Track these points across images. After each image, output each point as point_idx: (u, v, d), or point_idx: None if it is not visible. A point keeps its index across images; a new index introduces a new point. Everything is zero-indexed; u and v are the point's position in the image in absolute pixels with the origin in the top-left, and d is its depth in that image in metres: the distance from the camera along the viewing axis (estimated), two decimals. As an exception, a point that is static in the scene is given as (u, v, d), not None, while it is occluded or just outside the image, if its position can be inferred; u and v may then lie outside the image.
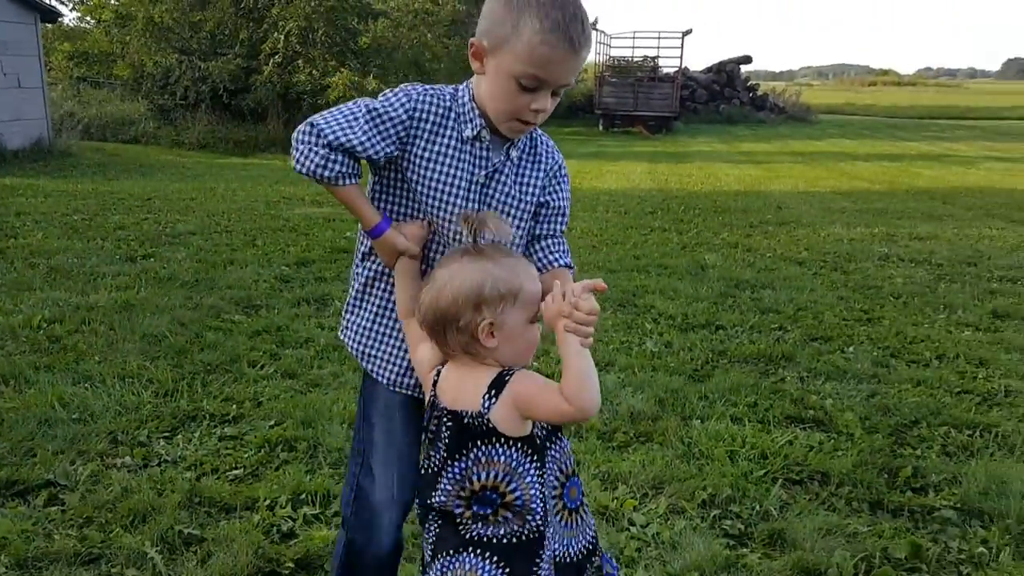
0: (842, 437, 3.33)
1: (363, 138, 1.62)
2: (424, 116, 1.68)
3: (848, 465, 3.03)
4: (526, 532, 1.52)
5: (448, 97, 1.71)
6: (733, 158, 18.67)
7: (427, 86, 1.72)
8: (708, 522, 2.71)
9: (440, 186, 1.69)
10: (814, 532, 2.59)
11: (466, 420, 1.52)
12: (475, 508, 1.52)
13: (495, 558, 1.51)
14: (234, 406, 3.65)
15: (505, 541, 1.51)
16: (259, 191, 10.92)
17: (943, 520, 2.69)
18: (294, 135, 1.64)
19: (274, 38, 17.69)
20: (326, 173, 1.62)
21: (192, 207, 9.35)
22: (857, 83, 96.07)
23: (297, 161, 1.63)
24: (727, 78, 36.14)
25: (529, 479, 1.52)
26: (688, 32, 31.05)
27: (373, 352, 1.82)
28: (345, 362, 4.24)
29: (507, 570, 1.50)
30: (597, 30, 33.16)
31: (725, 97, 35.74)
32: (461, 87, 1.73)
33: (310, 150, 1.61)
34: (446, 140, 1.69)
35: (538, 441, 1.54)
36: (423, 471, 1.60)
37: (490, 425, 1.50)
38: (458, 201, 1.69)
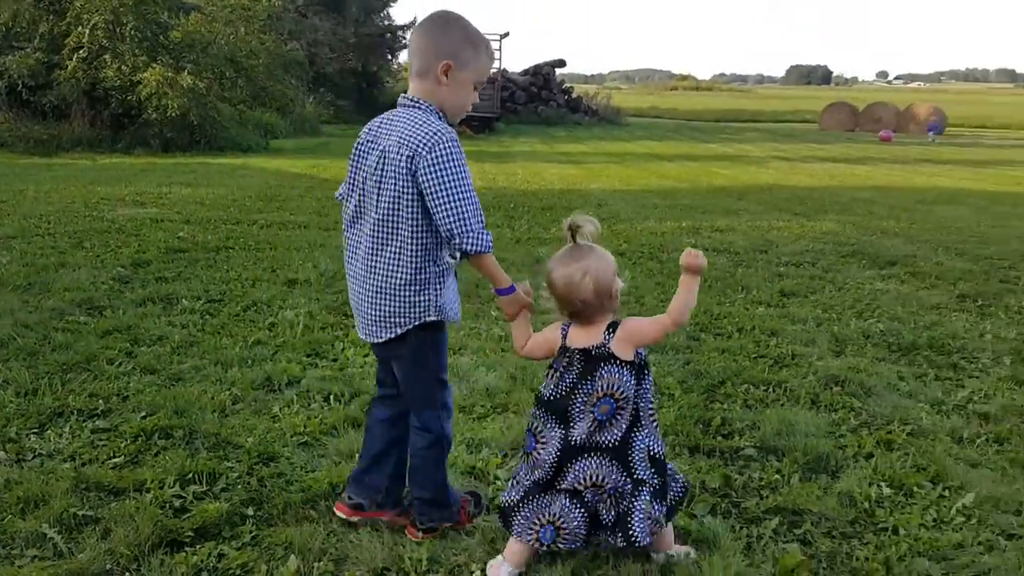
0: (664, 396, 3.90)
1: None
2: None
3: (671, 418, 3.59)
4: (620, 436, 2.36)
5: (445, 123, 2.46)
6: (554, 158, 19.62)
7: (447, 129, 2.41)
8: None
9: None
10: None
11: (593, 351, 2.36)
12: (600, 411, 2.34)
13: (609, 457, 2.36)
14: (101, 401, 3.74)
15: (614, 443, 2.36)
16: (74, 192, 10.45)
17: (747, 457, 3.29)
18: (472, 229, 2.36)
19: (78, 32, 16.71)
20: (491, 244, 2.43)
21: (4, 210, 8.87)
22: (660, 87, 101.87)
23: (475, 245, 2.37)
24: (544, 81, 37.49)
25: (631, 389, 2.37)
26: (506, 35, 31.94)
27: (454, 315, 2.61)
28: (204, 356, 4.38)
29: (612, 462, 2.35)
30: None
31: (543, 99, 37.08)
32: (421, 108, 2.46)
33: (484, 234, 2.39)
34: None
35: (638, 363, 2.39)
36: (551, 398, 2.43)
37: (610, 351, 2.35)
38: None
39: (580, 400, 2.37)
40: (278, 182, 12.64)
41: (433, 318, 2.52)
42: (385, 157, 2.43)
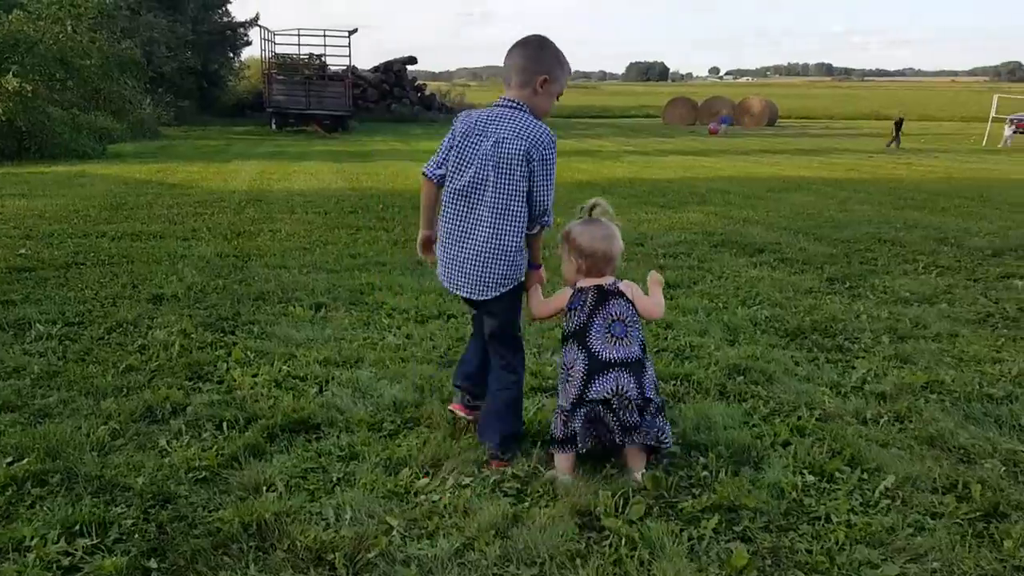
0: (578, 400, 3.82)
1: None
2: None
3: (591, 422, 3.51)
4: (636, 354, 2.98)
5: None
6: (415, 156, 19.34)
7: (545, 128, 3.06)
8: (489, 487, 3.01)
9: None
10: (577, 479, 3.01)
11: (606, 287, 3.04)
12: (614, 333, 2.97)
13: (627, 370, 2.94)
14: (-47, 448, 3.27)
15: (632, 360, 2.96)
16: None
17: (671, 455, 3.25)
18: (550, 211, 3.16)
19: None
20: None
21: None
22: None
23: (550, 224, 3.18)
24: (395, 78, 37.06)
25: (636, 318, 3.05)
26: (354, 31, 31.30)
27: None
28: (72, 387, 3.94)
29: (633, 377, 2.94)
30: (260, 26, 32.27)
31: (395, 96, 36.66)
32: (523, 111, 3.09)
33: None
34: None
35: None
36: (575, 329, 3.03)
37: (619, 289, 3.05)
38: None
39: (597, 324, 2.98)
40: (122, 190, 11.77)
41: (522, 278, 3.20)
42: (500, 145, 3.04)
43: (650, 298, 3.10)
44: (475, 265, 3.11)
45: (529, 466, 3.16)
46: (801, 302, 5.67)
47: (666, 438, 3.03)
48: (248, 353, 4.49)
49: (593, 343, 2.96)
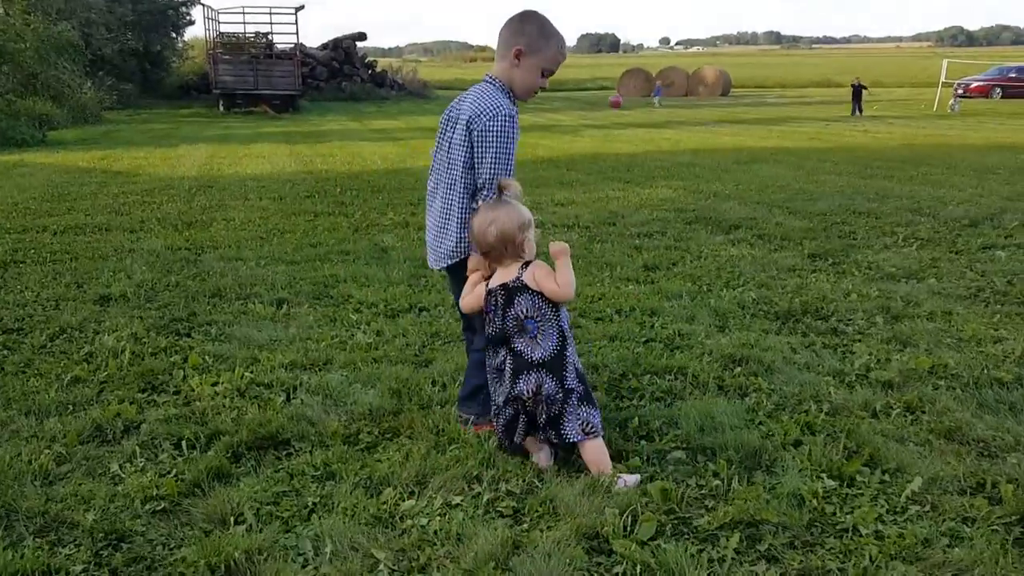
0: (570, 400, 3.55)
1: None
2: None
3: (586, 426, 3.24)
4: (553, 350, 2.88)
5: (507, 101, 3.01)
6: (369, 136, 18.85)
7: (508, 106, 2.98)
8: (483, 508, 2.72)
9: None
10: (579, 496, 2.73)
11: (511, 285, 2.89)
12: (527, 332, 2.86)
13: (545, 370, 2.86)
14: None
15: (549, 357, 2.87)
16: None
17: (676, 461, 3.00)
18: (495, 186, 2.96)
19: None
20: None
21: None
22: (460, 58, 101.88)
23: None
24: (345, 55, 36.22)
25: (549, 311, 2.89)
26: (301, 8, 30.45)
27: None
28: (11, 405, 3.56)
29: (546, 374, 2.85)
30: (203, 5, 31.20)
31: (345, 74, 35.84)
32: (494, 85, 3.04)
33: None
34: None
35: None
36: (493, 334, 2.94)
37: (523, 283, 2.88)
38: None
39: (511, 326, 2.88)
40: (64, 179, 11.18)
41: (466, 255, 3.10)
42: (448, 115, 3.12)
43: (556, 279, 2.87)
44: (432, 235, 3.22)
45: (524, 481, 2.88)
46: (787, 281, 5.46)
47: (592, 428, 2.88)
48: (206, 358, 4.13)
49: (516, 344, 2.89)
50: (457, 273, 3.18)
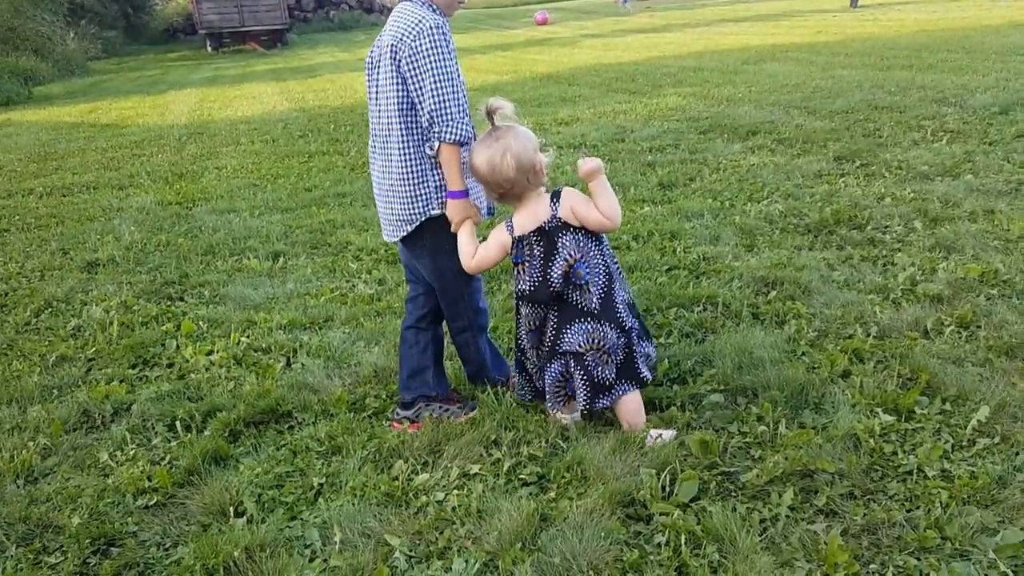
0: (591, 343, 3.26)
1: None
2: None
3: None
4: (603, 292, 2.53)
5: (431, 12, 2.49)
6: (360, 66, 18.05)
7: (433, 17, 2.45)
8: (503, 477, 2.47)
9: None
10: (610, 455, 2.47)
11: (547, 227, 2.49)
12: (580, 278, 2.48)
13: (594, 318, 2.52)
14: None
15: (601, 302, 2.52)
16: None
17: (713, 405, 2.72)
18: (452, 117, 2.43)
19: None
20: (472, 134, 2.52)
21: None
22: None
23: (453, 133, 2.44)
24: (331, -18, 34.97)
25: (595, 249, 2.52)
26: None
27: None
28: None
29: (603, 323, 2.52)
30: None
31: (332, 3, 34.67)
32: (423, 4, 2.51)
33: (465, 123, 2.47)
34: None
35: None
36: (531, 290, 2.54)
37: (562, 221, 2.48)
38: None
39: (556, 276, 2.49)
40: (51, 136, 10.81)
41: (437, 211, 2.59)
42: (381, 53, 2.54)
43: (598, 205, 2.47)
44: (380, 203, 2.72)
45: (547, 442, 2.62)
46: (814, 189, 5.09)
47: (650, 366, 2.66)
48: (200, 324, 3.87)
49: (569, 294, 2.52)
50: (414, 243, 2.68)
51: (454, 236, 2.61)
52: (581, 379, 2.53)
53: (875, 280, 3.61)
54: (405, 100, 2.50)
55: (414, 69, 2.44)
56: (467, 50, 20.14)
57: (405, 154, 2.54)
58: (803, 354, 3.01)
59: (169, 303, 4.21)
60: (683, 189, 5.43)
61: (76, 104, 14.76)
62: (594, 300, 2.50)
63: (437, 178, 2.57)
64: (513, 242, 2.55)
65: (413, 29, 2.43)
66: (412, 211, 2.59)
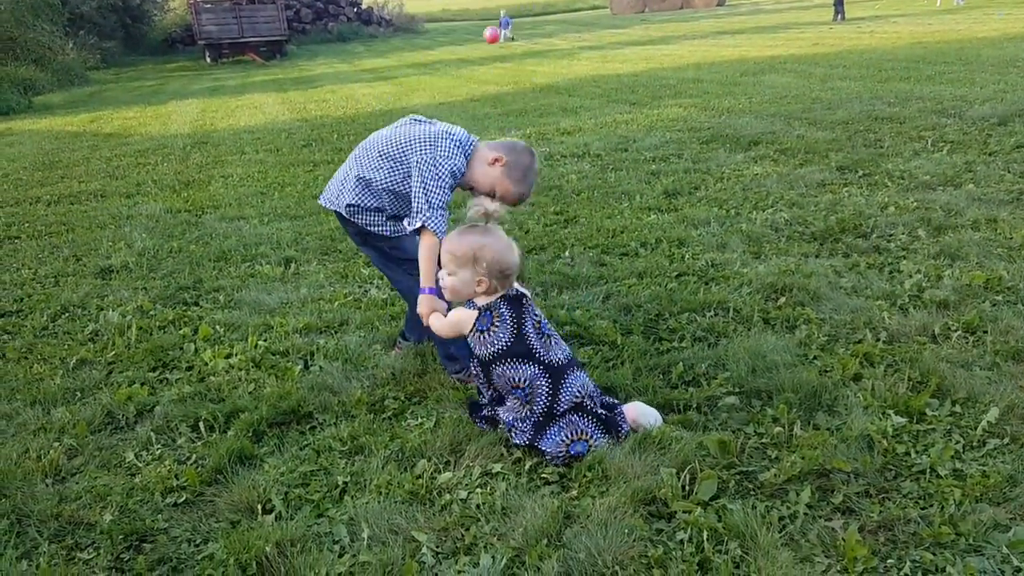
0: (605, 347, 3.33)
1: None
2: None
3: (628, 374, 3.02)
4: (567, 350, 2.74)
5: (462, 160, 2.96)
6: (361, 77, 18.32)
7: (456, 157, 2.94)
8: (525, 475, 2.53)
9: None
10: (629, 455, 2.53)
11: (510, 295, 2.68)
12: (545, 331, 2.71)
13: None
14: None
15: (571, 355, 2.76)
16: None
17: (729, 408, 2.78)
18: (427, 215, 2.81)
19: None
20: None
21: None
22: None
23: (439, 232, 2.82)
24: (329, -6, 35.14)
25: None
26: (280, -52, 29.40)
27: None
28: (15, 396, 3.37)
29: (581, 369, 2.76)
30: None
31: (331, 14, 34.86)
32: (460, 146, 2.98)
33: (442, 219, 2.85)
34: None
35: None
36: (507, 347, 2.65)
37: (519, 290, 2.72)
38: None
39: (528, 331, 2.64)
40: (55, 145, 10.86)
41: (370, 229, 3.12)
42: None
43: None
44: (336, 179, 3.20)
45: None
46: (819, 198, 5.17)
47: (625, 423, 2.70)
48: (217, 328, 3.92)
49: (539, 351, 2.64)
50: (347, 225, 3.19)
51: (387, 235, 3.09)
52: (590, 421, 2.63)
53: (882, 287, 3.68)
54: (393, 179, 2.99)
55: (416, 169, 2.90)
56: (467, 61, 20.28)
57: (374, 193, 3.03)
58: (815, 358, 3.08)
59: (185, 308, 4.27)
60: (688, 197, 5.51)
61: (77, 114, 14.82)
62: (565, 347, 2.72)
63: (382, 218, 3.08)
64: (480, 314, 2.67)
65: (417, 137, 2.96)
66: (353, 202, 3.05)
